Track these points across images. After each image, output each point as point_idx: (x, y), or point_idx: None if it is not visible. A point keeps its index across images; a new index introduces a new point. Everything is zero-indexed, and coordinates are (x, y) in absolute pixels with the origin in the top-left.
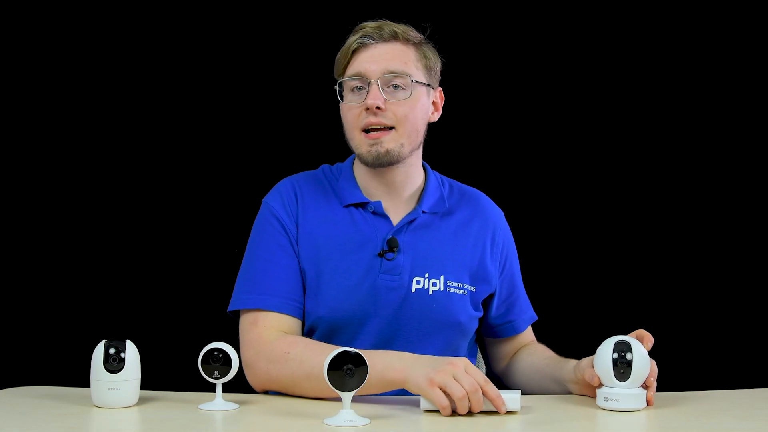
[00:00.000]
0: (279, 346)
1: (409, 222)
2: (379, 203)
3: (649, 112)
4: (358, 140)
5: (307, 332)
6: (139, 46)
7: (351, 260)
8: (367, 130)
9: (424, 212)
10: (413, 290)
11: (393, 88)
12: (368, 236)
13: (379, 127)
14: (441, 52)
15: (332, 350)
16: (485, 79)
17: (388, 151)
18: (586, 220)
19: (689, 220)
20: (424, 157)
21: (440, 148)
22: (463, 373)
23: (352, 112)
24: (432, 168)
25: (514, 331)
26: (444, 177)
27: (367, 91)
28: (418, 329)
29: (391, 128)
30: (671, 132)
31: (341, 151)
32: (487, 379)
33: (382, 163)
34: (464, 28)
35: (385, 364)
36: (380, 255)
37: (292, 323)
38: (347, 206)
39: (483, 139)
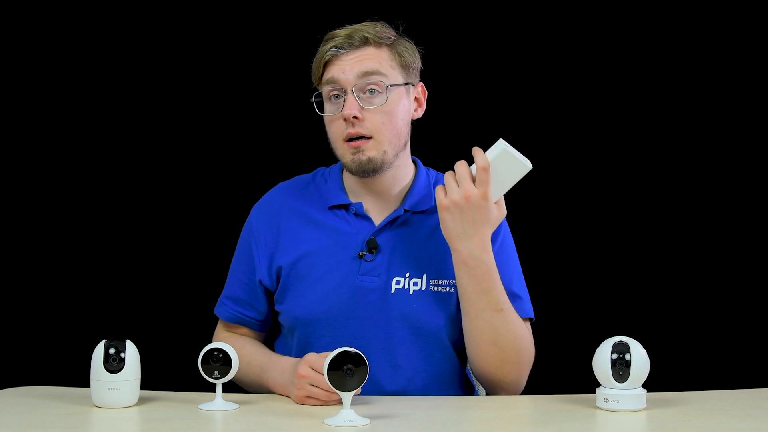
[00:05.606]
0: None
1: (390, 222)
2: (360, 204)
3: (648, 107)
4: (341, 150)
5: (288, 333)
6: (137, 48)
7: (332, 263)
8: (349, 139)
9: (406, 211)
10: (392, 290)
11: (369, 93)
12: (350, 238)
13: (358, 136)
14: (431, 46)
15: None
16: (483, 75)
17: (370, 159)
18: (585, 219)
19: (689, 220)
20: (420, 153)
21: (438, 146)
22: (315, 375)
23: (334, 124)
24: (427, 164)
25: None
26: (440, 174)
27: (344, 101)
28: (399, 330)
29: (370, 137)
30: (668, 129)
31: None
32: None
33: (366, 171)
34: (454, 20)
35: (273, 379)
36: (360, 256)
37: (233, 327)
38: (331, 208)
39: (481, 137)
